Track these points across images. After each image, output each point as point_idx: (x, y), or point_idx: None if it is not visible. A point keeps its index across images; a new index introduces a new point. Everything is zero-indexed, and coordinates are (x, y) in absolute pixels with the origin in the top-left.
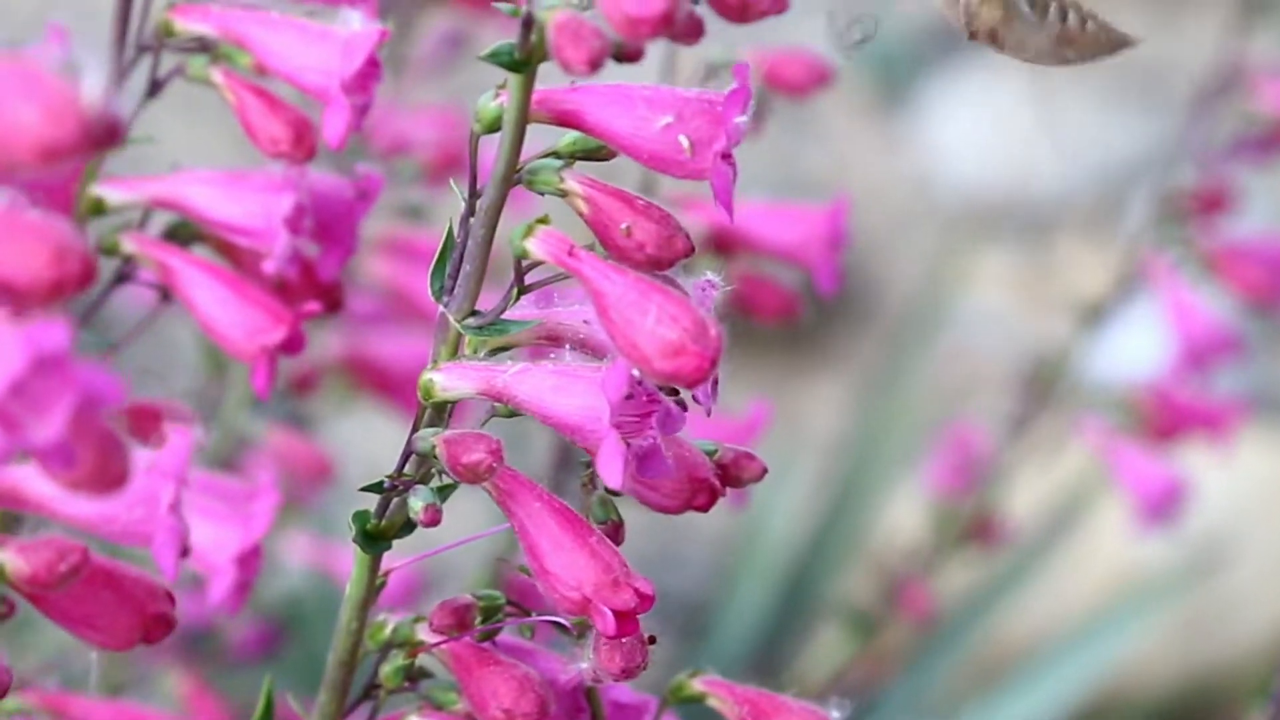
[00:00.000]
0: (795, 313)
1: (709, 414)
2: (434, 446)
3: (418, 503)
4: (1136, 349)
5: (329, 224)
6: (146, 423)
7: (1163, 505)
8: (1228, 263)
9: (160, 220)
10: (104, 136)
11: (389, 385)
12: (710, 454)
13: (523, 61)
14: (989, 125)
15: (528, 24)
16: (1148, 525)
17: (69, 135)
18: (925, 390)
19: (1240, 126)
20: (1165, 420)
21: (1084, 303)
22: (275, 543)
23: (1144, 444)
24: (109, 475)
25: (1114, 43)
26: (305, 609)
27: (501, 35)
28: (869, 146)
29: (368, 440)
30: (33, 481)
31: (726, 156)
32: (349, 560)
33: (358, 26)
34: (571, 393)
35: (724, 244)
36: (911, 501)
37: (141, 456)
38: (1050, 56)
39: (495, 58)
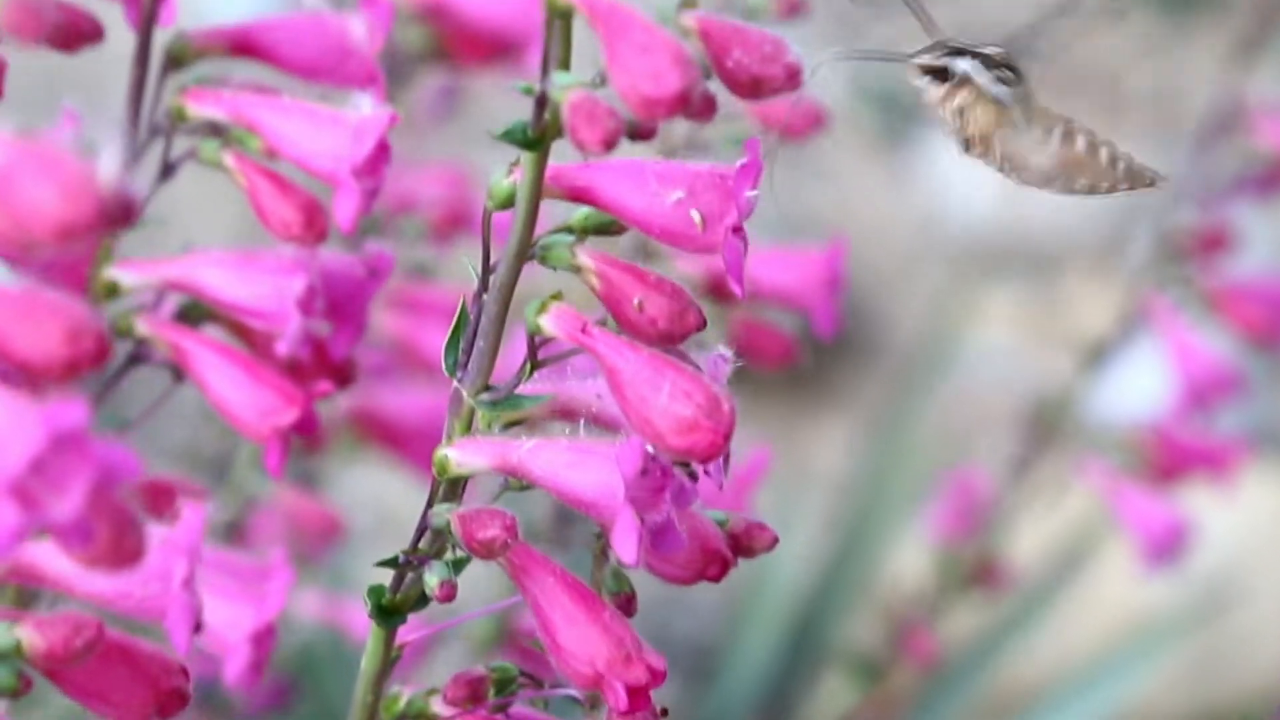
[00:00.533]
0: (795, 357)
1: (720, 488)
2: (449, 523)
3: (433, 579)
4: (1139, 388)
5: (340, 303)
6: (160, 499)
7: (1166, 546)
8: (1229, 302)
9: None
10: (120, 215)
11: (397, 439)
12: (721, 524)
13: (536, 140)
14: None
15: (541, 103)
16: (1152, 566)
17: (85, 214)
18: (932, 430)
19: (1241, 164)
20: (1167, 460)
21: (1086, 342)
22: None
23: (1147, 484)
24: (124, 552)
25: (1134, 177)
26: (317, 661)
27: (498, 90)
28: (873, 185)
29: (377, 486)
30: (49, 557)
31: (738, 230)
32: (360, 615)
33: (368, 111)
34: (586, 469)
35: (722, 290)
36: (918, 545)
37: (155, 532)
38: (1056, 182)
39: (509, 136)
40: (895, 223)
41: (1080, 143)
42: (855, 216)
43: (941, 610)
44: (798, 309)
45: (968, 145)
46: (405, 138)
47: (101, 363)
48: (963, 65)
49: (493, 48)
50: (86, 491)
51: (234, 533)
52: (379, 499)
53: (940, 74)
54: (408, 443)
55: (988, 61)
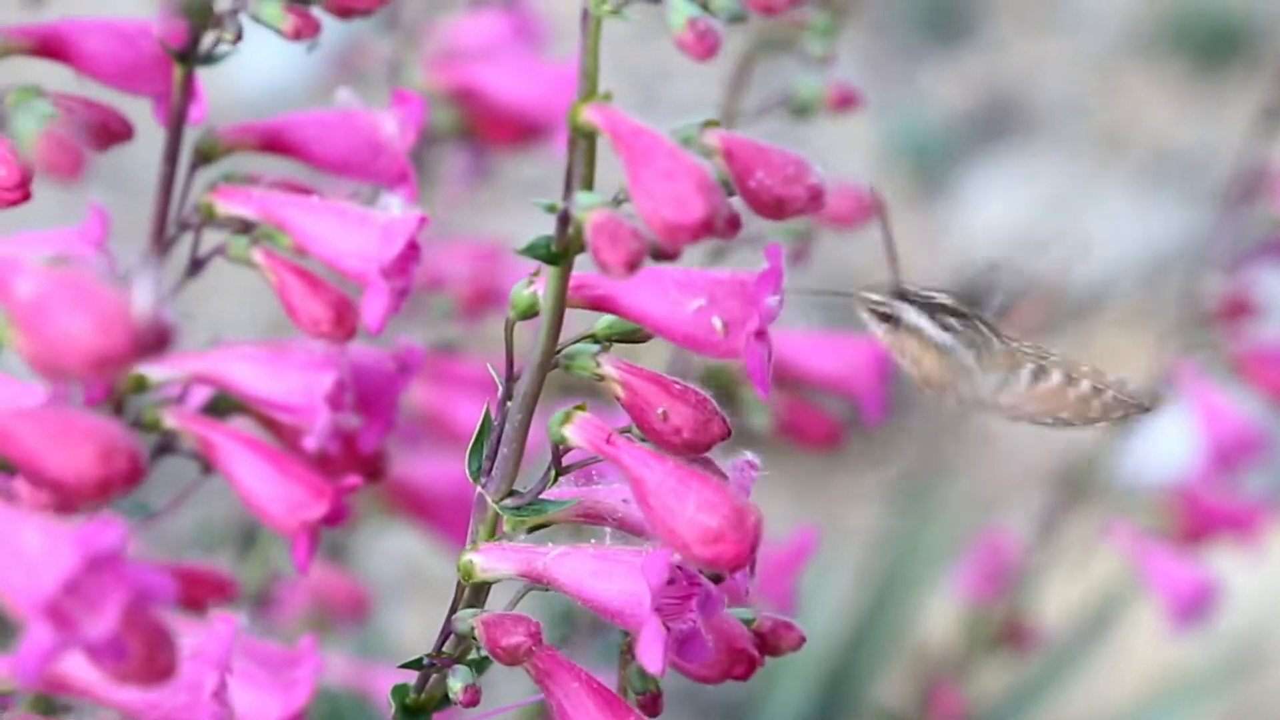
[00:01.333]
0: (839, 440)
1: (746, 594)
2: (473, 628)
3: (457, 684)
4: (1168, 450)
5: (370, 397)
6: (188, 586)
7: (1193, 607)
8: (1254, 366)
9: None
10: (154, 345)
11: (426, 509)
12: (748, 623)
13: (560, 254)
14: (1027, 214)
15: (565, 220)
16: (1179, 627)
17: (119, 345)
18: (967, 486)
19: (1265, 230)
20: (1194, 522)
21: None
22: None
23: (1174, 545)
24: (157, 667)
25: (1122, 406)
26: None
27: (526, 165)
28: (908, 237)
29: (407, 543)
30: (80, 668)
31: (760, 335)
32: (386, 680)
33: (397, 211)
34: (612, 577)
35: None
36: (949, 603)
37: (186, 644)
38: (1032, 416)
39: (532, 252)
40: (930, 275)
41: (1055, 377)
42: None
43: (970, 669)
44: (846, 396)
45: (923, 387)
46: (436, 208)
47: (135, 483)
48: (907, 313)
49: (521, 130)
50: (120, 612)
51: (262, 604)
52: (409, 555)
53: (886, 317)
54: (436, 513)
55: (933, 309)
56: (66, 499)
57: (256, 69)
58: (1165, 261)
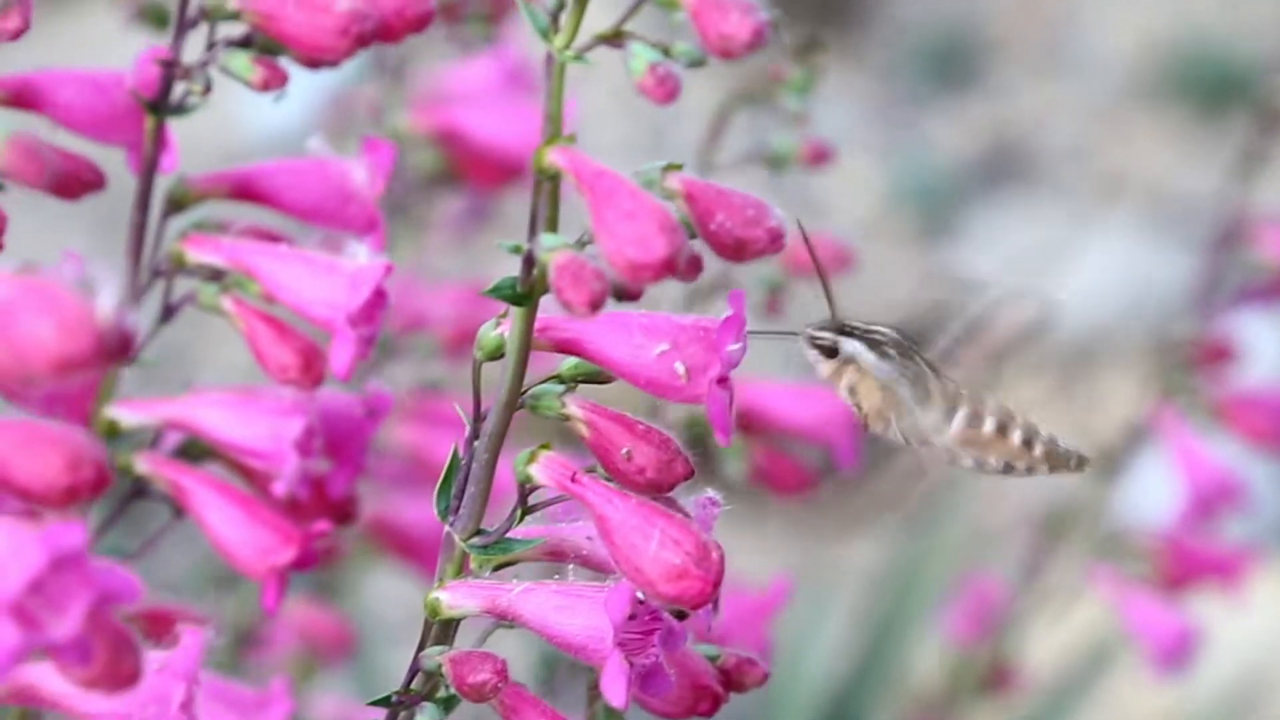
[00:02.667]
0: (814, 489)
1: (709, 629)
2: (440, 665)
3: None
4: (1151, 494)
5: (340, 442)
6: (160, 625)
7: (1176, 653)
8: (1235, 412)
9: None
10: (118, 350)
11: (411, 548)
12: (713, 659)
13: (525, 296)
14: (1031, 257)
15: (529, 261)
16: (1162, 673)
17: (83, 349)
18: (965, 527)
19: (1247, 275)
20: (1177, 568)
21: (1104, 447)
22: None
23: (1158, 591)
24: (122, 674)
25: (1054, 460)
26: None
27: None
28: (913, 278)
29: (402, 581)
30: (48, 679)
31: (722, 381)
32: None
33: (364, 260)
34: (575, 612)
35: (744, 424)
36: (936, 646)
37: (154, 656)
38: (964, 460)
39: (497, 292)
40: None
41: (989, 425)
42: (894, 312)
43: (955, 713)
44: (818, 444)
45: (865, 422)
46: (425, 251)
47: (101, 491)
48: (849, 345)
49: (502, 171)
50: (85, 612)
51: (249, 644)
52: (407, 594)
53: (830, 352)
54: (422, 552)
55: (874, 343)
56: (33, 506)
57: (260, 116)
58: (1166, 305)
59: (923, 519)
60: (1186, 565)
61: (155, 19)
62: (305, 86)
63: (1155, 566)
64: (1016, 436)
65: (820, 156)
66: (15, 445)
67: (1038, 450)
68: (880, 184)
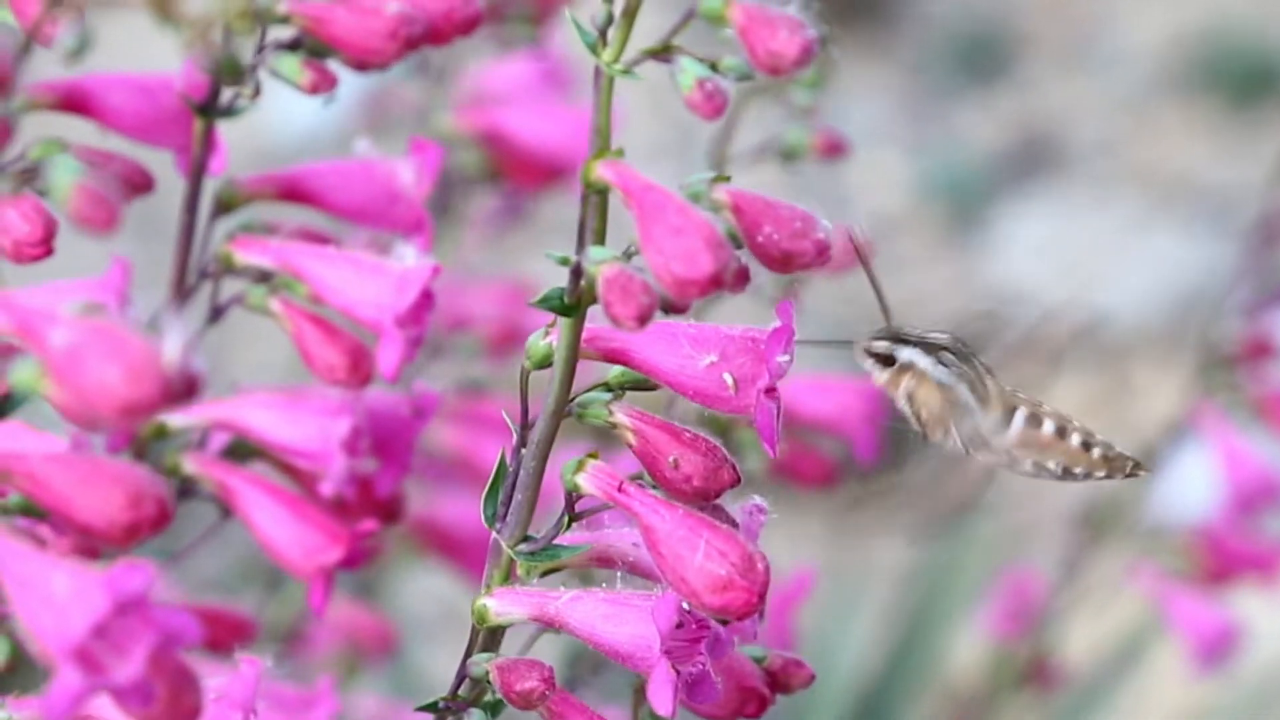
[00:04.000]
0: (835, 481)
1: (754, 636)
2: (487, 672)
3: None
4: (1190, 491)
5: (386, 442)
6: (214, 628)
7: (1217, 649)
8: (1276, 409)
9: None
10: (182, 394)
11: (453, 548)
12: (759, 660)
13: (572, 306)
14: (1061, 251)
15: (577, 273)
16: (1203, 668)
17: (150, 394)
18: (996, 523)
19: None
20: (1217, 564)
21: (1146, 441)
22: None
23: (1197, 587)
24: (182, 710)
25: (1111, 464)
26: None
27: (561, 208)
28: (942, 274)
29: (440, 579)
30: (105, 711)
31: (770, 391)
32: None
33: (411, 261)
34: (622, 621)
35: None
36: (974, 641)
37: (211, 686)
38: (1023, 463)
39: (546, 303)
40: (964, 310)
41: (1048, 426)
42: (924, 306)
43: (995, 708)
44: (838, 437)
45: (925, 430)
46: (465, 249)
47: (163, 528)
48: (906, 353)
49: (546, 171)
50: (147, 655)
51: (291, 642)
52: (444, 593)
53: (886, 360)
54: (465, 552)
55: (931, 348)
56: (93, 543)
57: (290, 116)
58: (1198, 299)
59: (953, 518)
60: (1226, 560)
61: (230, 72)
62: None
63: (1194, 562)
64: (1075, 439)
65: (833, 148)
66: (77, 482)
67: (1096, 454)
68: (910, 178)
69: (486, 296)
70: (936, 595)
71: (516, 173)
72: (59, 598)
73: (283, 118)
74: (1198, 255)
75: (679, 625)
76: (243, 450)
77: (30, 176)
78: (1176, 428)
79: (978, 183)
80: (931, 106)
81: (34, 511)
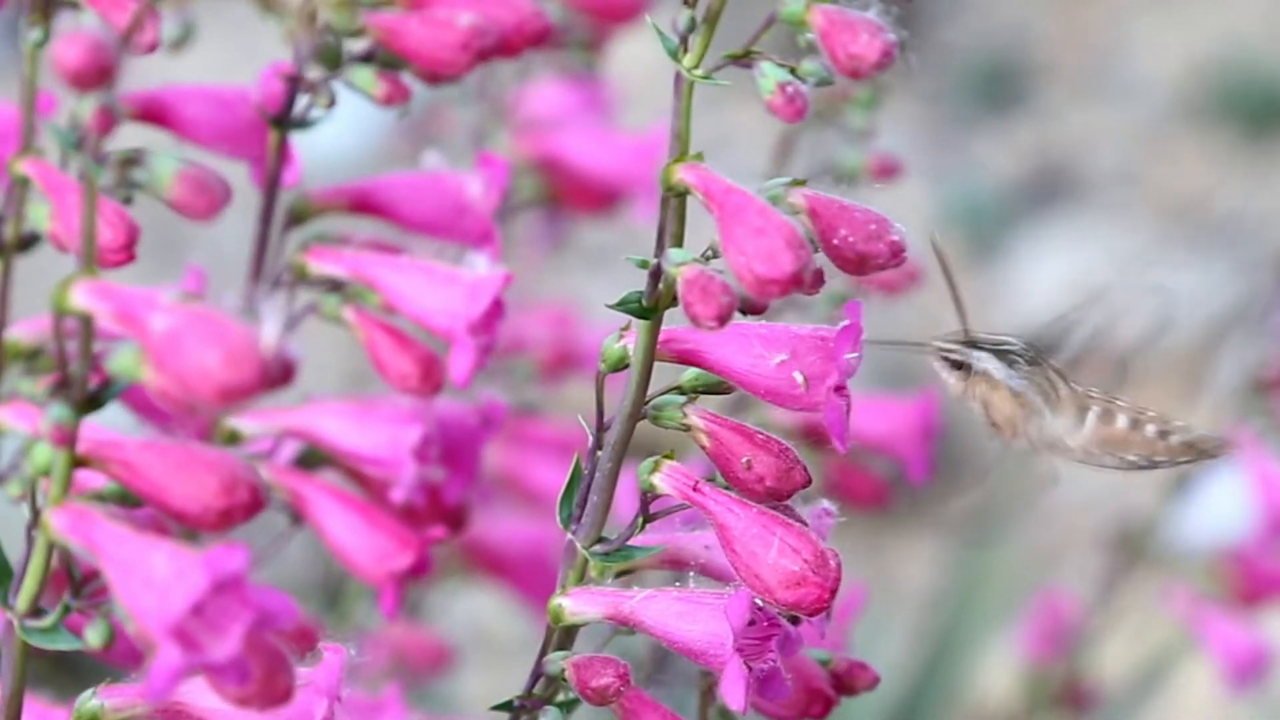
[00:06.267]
0: (886, 500)
1: (822, 636)
2: (563, 670)
3: None
4: (1222, 513)
5: (454, 450)
6: (299, 640)
7: (1250, 670)
8: None
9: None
10: (279, 379)
11: (503, 568)
12: (824, 663)
13: (650, 309)
14: (1079, 276)
15: (656, 276)
16: (1235, 689)
17: (248, 378)
18: (1019, 546)
19: None
20: (1249, 586)
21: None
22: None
23: (1230, 609)
24: (276, 691)
25: (1192, 449)
26: None
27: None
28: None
29: (470, 604)
30: (196, 695)
31: (840, 390)
32: None
33: (483, 270)
34: (696, 619)
35: (816, 435)
36: (1005, 662)
37: (299, 672)
38: (1102, 458)
39: (624, 306)
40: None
41: (1122, 420)
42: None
43: None
44: (892, 457)
45: (997, 431)
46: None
47: (255, 514)
48: (979, 358)
49: (602, 198)
50: (244, 634)
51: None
52: (475, 616)
53: (960, 365)
54: (513, 572)
55: (1004, 354)
56: (187, 530)
57: (318, 137)
58: (1215, 327)
59: (978, 533)
60: (1259, 583)
61: (329, 59)
62: (359, 114)
63: (1226, 584)
64: (1151, 429)
65: (888, 171)
66: (172, 469)
67: (1174, 440)
68: (929, 206)
69: (538, 319)
70: (963, 616)
71: (573, 197)
72: (159, 577)
73: (310, 139)
74: (1213, 283)
75: (751, 623)
76: (313, 459)
77: (131, 165)
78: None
79: (996, 211)
80: (951, 135)
81: (129, 499)
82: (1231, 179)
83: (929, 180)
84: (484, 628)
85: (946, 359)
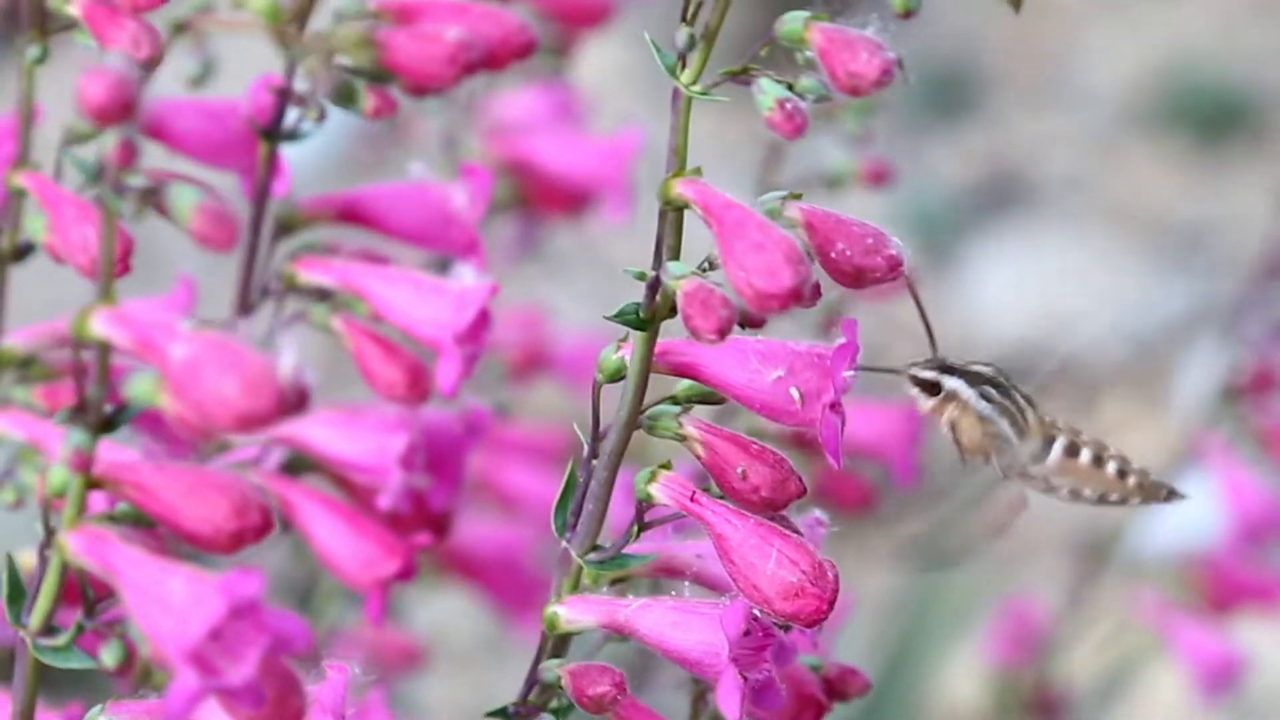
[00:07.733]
0: (874, 504)
1: (815, 645)
2: (559, 678)
3: None
4: (1192, 521)
5: (440, 458)
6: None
7: (1221, 677)
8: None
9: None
10: (296, 406)
11: (474, 571)
12: (815, 669)
13: (647, 321)
14: (1031, 285)
15: (654, 288)
16: (1206, 696)
17: (266, 406)
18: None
19: None
20: (1220, 593)
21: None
22: None
23: (1200, 616)
24: (288, 713)
25: (1146, 491)
26: None
27: (571, 235)
28: (913, 307)
29: (433, 609)
30: (208, 714)
31: (835, 406)
32: None
33: (470, 280)
34: (691, 628)
35: (804, 442)
36: (969, 669)
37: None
38: (1060, 490)
39: (621, 318)
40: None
41: (1085, 455)
42: (897, 340)
43: None
44: (877, 461)
45: (964, 454)
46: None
47: (266, 536)
48: (951, 382)
49: (572, 200)
50: (260, 658)
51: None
52: (435, 621)
53: (932, 388)
54: (484, 574)
55: (975, 379)
56: (199, 552)
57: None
58: (1167, 333)
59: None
60: (1229, 590)
61: (348, 98)
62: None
63: (1196, 591)
64: (1111, 467)
65: (879, 176)
66: (185, 491)
67: (1131, 481)
68: (880, 213)
69: (508, 322)
70: (924, 622)
71: (544, 201)
72: (177, 602)
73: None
74: (1166, 290)
75: (746, 633)
76: (300, 465)
77: (151, 197)
78: (1176, 460)
79: (948, 218)
80: (902, 143)
81: (142, 520)
82: (1183, 186)
83: (880, 187)
84: (445, 630)
85: (919, 382)
